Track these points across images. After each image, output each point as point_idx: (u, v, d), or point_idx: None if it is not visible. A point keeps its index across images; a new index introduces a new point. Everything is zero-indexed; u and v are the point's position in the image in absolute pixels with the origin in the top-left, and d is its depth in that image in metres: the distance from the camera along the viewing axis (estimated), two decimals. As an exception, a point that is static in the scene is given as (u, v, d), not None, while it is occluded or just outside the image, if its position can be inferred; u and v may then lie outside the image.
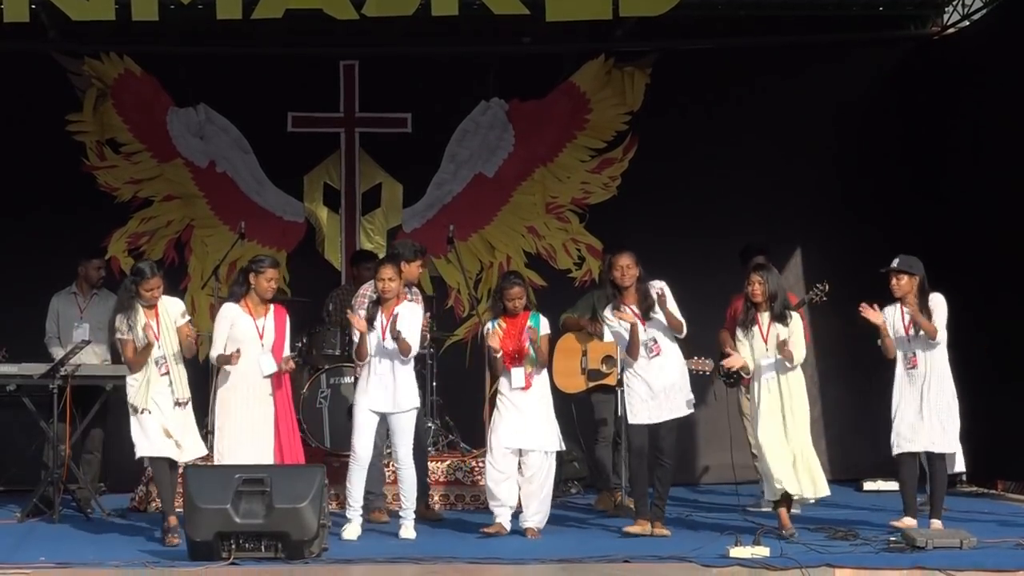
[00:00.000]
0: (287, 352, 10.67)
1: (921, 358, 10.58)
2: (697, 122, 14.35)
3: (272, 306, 10.65)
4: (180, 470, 10.42)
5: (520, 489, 10.69)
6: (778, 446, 10.40)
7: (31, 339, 12.40)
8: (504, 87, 14.46)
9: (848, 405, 13.92)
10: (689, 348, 10.81)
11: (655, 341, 10.55)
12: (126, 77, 14.23)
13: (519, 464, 10.66)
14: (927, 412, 10.54)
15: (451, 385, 13.20)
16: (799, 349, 10.49)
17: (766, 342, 10.49)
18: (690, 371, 10.70)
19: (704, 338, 10.98)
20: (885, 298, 10.75)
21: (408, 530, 10.56)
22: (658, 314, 10.50)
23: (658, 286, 10.56)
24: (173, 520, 10.30)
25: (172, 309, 10.51)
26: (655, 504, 10.65)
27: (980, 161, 13.60)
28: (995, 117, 13.30)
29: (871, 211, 14.31)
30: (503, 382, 10.68)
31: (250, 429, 10.42)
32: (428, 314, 11.70)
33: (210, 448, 10.92)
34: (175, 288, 12.33)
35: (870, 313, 10.57)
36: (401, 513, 10.64)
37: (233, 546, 9.26)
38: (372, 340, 10.58)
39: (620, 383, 10.81)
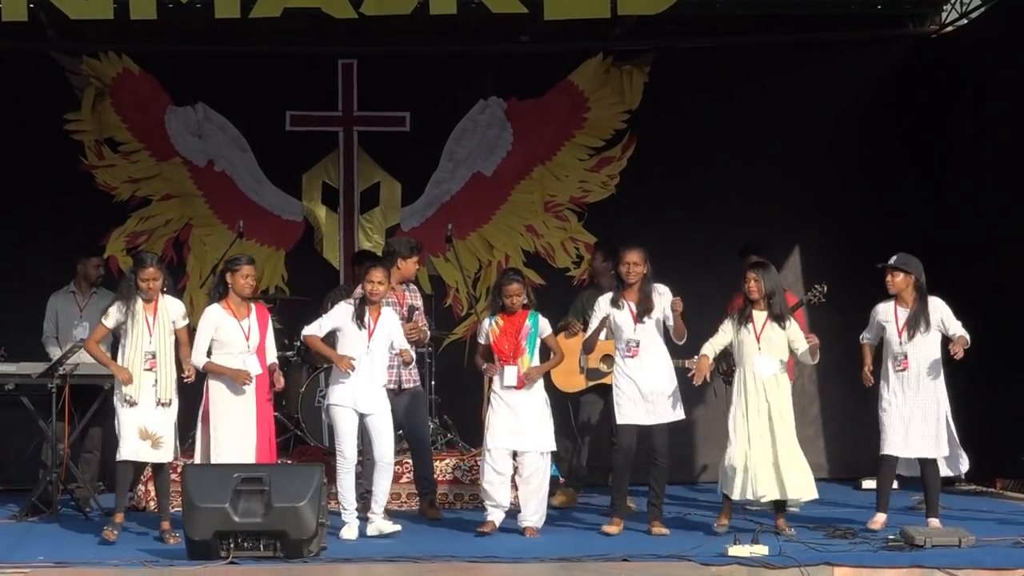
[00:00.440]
0: (271, 358, 10.61)
1: (913, 360, 10.56)
2: (696, 121, 14.34)
3: (253, 305, 10.63)
4: (179, 469, 10.41)
5: (518, 489, 10.71)
6: (760, 448, 10.36)
7: (29, 338, 12.40)
8: (502, 86, 14.44)
9: (846, 403, 13.90)
10: (688, 347, 10.82)
11: (637, 344, 10.57)
12: (124, 76, 14.22)
13: (515, 465, 10.66)
14: (918, 417, 10.53)
15: (449, 384, 13.19)
16: (802, 348, 10.53)
17: (758, 340, 10.48)
18: (688, 369, 10.70)
19: (702, 335, 10.97)
20: (882, 294, 10.77)
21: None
22: (652, 319, 10.53)
23: (662, 290, 10.58)
24: (119, 517, 10.24)
25: (172, 309, 10.49)
26: (652, 504, 10.66)
27: (979, 159, 13.60)
28: (994, 115, 13.32)
29: (869, 209, 14.31)
30: (495, 380, 10.68)
31: (237, 429, 10.37)
32: (420, 310, 11.66)
33: (188, 449, 10.89)
34: (173, 287, 12.30)
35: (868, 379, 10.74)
36: (370, 515, 10.49)
37: (232, 545, 9.27)
38: (357, 341, 10.57)
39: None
